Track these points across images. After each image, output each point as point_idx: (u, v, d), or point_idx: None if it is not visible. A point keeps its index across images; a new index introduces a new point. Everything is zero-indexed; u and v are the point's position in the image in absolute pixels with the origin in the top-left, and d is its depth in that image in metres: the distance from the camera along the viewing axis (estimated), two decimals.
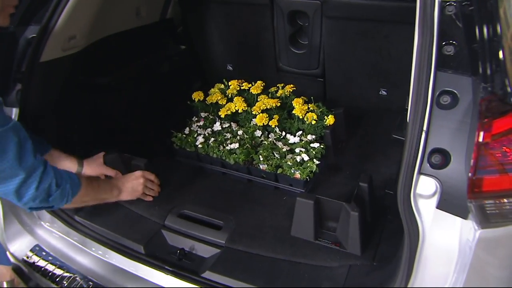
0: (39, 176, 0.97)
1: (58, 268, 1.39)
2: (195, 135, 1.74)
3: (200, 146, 1.68)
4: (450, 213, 0.88)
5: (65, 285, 1.34)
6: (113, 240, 1.40)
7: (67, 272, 1.38)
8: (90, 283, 1.34)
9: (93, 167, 1.47)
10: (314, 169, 1.52)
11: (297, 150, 1.59)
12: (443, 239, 0.92)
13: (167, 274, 1.28)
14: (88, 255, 1.40)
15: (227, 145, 1.65)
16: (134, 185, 1.41)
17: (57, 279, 1.36)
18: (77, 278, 1.35)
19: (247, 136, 1.69)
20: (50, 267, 1.39)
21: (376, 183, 1.48)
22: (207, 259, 1.33)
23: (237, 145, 1.63)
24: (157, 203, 1.52)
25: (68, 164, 1.43)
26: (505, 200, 0.82)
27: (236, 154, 1.61)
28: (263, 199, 1.58)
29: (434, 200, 0.89)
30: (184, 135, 1.76)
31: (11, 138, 0.93)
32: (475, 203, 0.83)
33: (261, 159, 1.57)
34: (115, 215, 1.48)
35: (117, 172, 1.50)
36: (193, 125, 1.83)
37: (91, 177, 1.25)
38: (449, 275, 0.94)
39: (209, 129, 1.77)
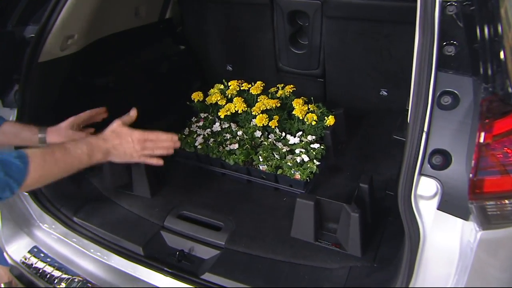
0: None
1: (57, 269, 1.39)
2: (195, 136, 1.74)
3: (199, 146, 1.68)
4: (451, 214, 0.88)
5: (63, 286, 1.33)
6: (112, 241, 1.40)
7: (65, 273, 1.38)
8: (89, 284, 1.34)
9: (59, 133, 1.29)
10: (314, 170, 1.52)
11: (297, 151, 1.59)
12: (444, 240, 0.92)
13: (166, 276, 1.28)
14: (86, 257, 1.40)
15: (227, 146, 1.65)
16: (129, 147, 1.19)
17: (55, 281, 1.36)
18: (76, 280, 1.35)
19: (247, 137, 1.69)
20: (49, 269, 1.39)
21: (377, 184, 1.48)
22: (206, 261, 1.33)
23: (236, 145, 1.63)
24: (156, 204, 1.52)
25: (27, 134, 1.27)
26: (507, 201, 0.82)
27: (235, 154, 1.61)
28: (263, 200, 1.58)
29: (435, 201, 0.89)
30: (184, 136, 1.76)
31: None
32: (476, 204, 0.83)
33: (261, 159, 1.57)
34: (114, 216, 1.48)
35: (86, 133, 1.34)
36: (192, 126, 1.83)
37: (52, 147, 1.05)
38: (450, 276, 0.94)
39: (209, 130, 1.77)
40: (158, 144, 1.24)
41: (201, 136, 1.73)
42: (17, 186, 0.92)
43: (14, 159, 0.92)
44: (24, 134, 1.28)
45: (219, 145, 1.67)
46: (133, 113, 1.30)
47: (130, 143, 1.19)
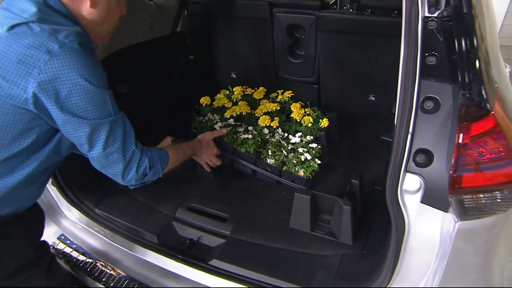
0: (137, 162, 1.01)
1: (81, 254, 1.40)
2: (214, 122, 1.75)
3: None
4: (433, 207, 0.88)
5: (88, 270, 1.34)
6: (129, 231, 1.41)
7: (89, 258, 1.39)
8: (109, 268, 1.34)
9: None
10: (316, 168, 1.52)
11: (300, 150, 1.60)
12: (426, 230, 0.92)
13: (178, 262, 1.28)
14: (107, 244, 1.41)
15: (241, 135, 1.65)
16: (205, 156, 1.51)
17: (80, 265, 1.37)
18: (97, 264, 1.36)
19: (256, 132, 1.69)
20: (74, 254, 1.40)
21: (366, 180, 1.48)
22: (213, 248, 1.34)
23: (250, 135, 1.64)
24: (168, 197, 1.53)
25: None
26: (481, 195, 0.82)
27: (248, 144, 1.61)
28: (265, 194, 1.58)
29: (419, 195, 0.89)
30: (204, 120, 1.76)
31: (120, 126, 0.96)
32: (455, 198, 0.83)
33: (270, 153, 1.58)
34: (131, 208, 1.49)
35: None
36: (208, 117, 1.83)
37: (177, 148, 1.27)
38: (431, 262, 0.95)
39: (225, 122, 1.77)
40: (217, 160, 1.55)
41: (219, 123, 1.74)
42: (162, 173, 1.13)
43: (165, 154, 1.16)
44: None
45: (234, 134, 1.67)
46: (224, 131, 1.62)
47: (210, 154, 1.52)
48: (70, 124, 0.89)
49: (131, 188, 1.10)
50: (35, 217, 1.13)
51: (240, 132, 1.69)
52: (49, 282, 1.12)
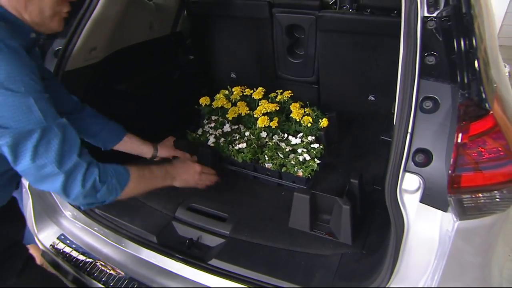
0: (82, 174, 0.87)
1: (81, 254, 1.40)
2: (207, 135, 1.74)
3: (212, 145, 1.68)
4: (432, 207, 0.88)
5: (87, 269, 1.34)
6: (129, 230, 1.41)
7: (88, 258, 1.39)
8: (109, 268, 1.34)
9: (166, 150, 1.49)
10: (315, 168, 1.52)
11: (299, 151, 1.59)
12: (426, 229, 0.92)
13: (178, 261, 1.28)
14: (107, 244, 1.41)
15: (236, 145, 1.65)
16: (189, 177, 1.31)
17: (80, 264, 1.36)
18: (97, 264, 1.36)
19: (253, 137, 1.69)
20: (74, 254, 1.40)
21: (366, 180, 1.48)
22: (213, 248, 1.34)
23: (244, 145, 1.64)
24: (168, 197, 1.53)
25: (145, 149, 1.43)
26: (480, 195, 0.82)
27: (244, 153, 1.61)
28: (265, 194, 1.58)
29: (418, 195, 0.89)
30: (197, 135, 1.77)
31: (56, 134, 0.83)
32: (454, 197, 0.83)
33: (267, 158, 1.57)
34: (131, 208, 1.49)
35: (184, 154, 1.51)
36: (205, 126, 1.83)
37: (142, 167, 1.10)
38: (430, 261, 0.95)
39: (220, 130, 1.77)
40: (209, 177, 1.39)
41: (213, 135, 1.73)
42: (120, 192, 0.97)
43: (123, 170, 1.00)
44: (143, 148, 1.43)
45: (229, 144, 1.67)
46: (195, 157, 1.50)
47: (192, 174, 1.31)
48: None
49: (82, 208, 0.99)
50: (6, 220, 1.05)
51: (236, 139, 1.69)
52: (21, 282, 1.07)
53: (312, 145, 1.62)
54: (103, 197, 0.94)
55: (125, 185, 0.99)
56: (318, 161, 1.55)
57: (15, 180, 1.05)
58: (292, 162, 1.54)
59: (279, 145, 1.65)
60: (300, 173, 1.52)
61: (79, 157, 0.88)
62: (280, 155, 1.58)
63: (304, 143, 1.63)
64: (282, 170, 1.55)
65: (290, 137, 1.69)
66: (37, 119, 0.80)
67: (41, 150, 0.81)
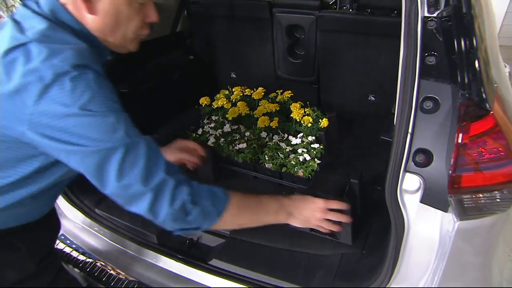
0: (170, 193, 0.79)
1: (81, 254, 1.40)
2: (207, 135, 1.74)
3: (212, 145, 1.68)
4: (432, 207, 0.88)
5: (87, 269, 1.34)
6: (129, 230, 1.41)
7: (88, 258, 1.39)
8: (109, 268, 1.34)
9: (172, 153, 1.33)
10: (316, 168, 1.52)
11: (299, 151, 1.59)
12: (426, 230, 0.92)
13: (178, 262, 1.28)
14: (107, 244, 1.41)
15: (236, 146, 1.64)
16: (311, 215, 1.06)
17: (80, 264, 1.37)
18: (97, 264, 1.36)
19: (254, 137, 1.69)
20: (75, 254, 1.40)
21: (366, 180, 1.48)
22: (213, 248, 1.34)
23: (244, 145, 1.63)
24: None
25: None
26: (481, 195, 0.82)
27: (244, 153, 1.61)
28: (265, 194, 1.57)
29: (418, 195, 0.89)
30: (197, 135, 1.76)
31: (140, 150, 0.78)
32: (454, 197, 0.83)
33: (267, 158, 1.57)
34: None
35: (191, 156, 1.34)
36: (205, 126, 1.83)
37: (250, 195, 0.97)
38: (431, 262, 0.95)
39: (220, 130, 1.77)
40: (339, 216, 1.09)
41: (213, 135, 1.73)
42: (217, 218, 0.86)
43: (221, 192, 0.89)
44: None
45: (229, 144, 1.67)
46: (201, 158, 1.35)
47: (313, 209, 1.06)
48: (73, 154, 0.75)
49: (175, 233, 0.86)
50: (47, 227, 1.03)
51: (236, 139, 1.68)
52: None
53: (312, 145, 1.61)
54: (195, 222, 0.83)
55: (223, 210, 0.87)
56: (319, 161, 1.54)
57: (63, 188, 1.03)
58: (292, 162, 1.53)
59: (279, 145, 1.65)
60: (300, 173, 1.52)
61: (166, 174, 0.80)
62: (281, 155, 1.58)
63: (304, 143, 1.63)
64: (282, 170, 1.55)
65: (290, 137, 1.69)
66: (120, 137, 0.76)
67: (126, 168, 0.76)
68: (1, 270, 0.93)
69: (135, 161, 0.77)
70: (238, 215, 0.92)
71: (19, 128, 0.74)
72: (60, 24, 0.79)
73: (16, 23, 0.78)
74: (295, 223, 1.06)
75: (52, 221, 1.06)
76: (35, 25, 0.77)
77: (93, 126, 0.74)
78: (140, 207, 0.80)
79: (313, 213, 1.06)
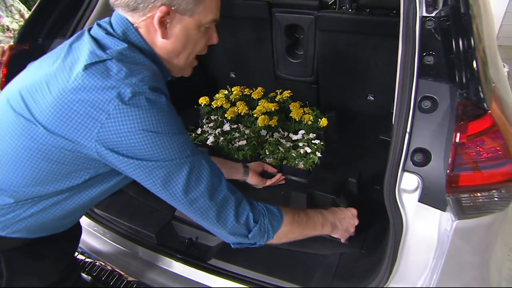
0: (233, 207, 0.84)
1: (81, 254, 1.40)
2: (206, 135, 1.74)
3: (211, 144, 1.68)
4: (430, 206, 0.88)
5: (87, 269, 1.34)
6: (128, 230, 1.40)
7: (88, 258, 1.39)
8: (109, 267, 1.35)
9: (256, 177, 1.46)
10: (316, 161, 1.52)
11: (300, 144, 1.59)
12: (424, 229, 0.92)
13: (177, 261, 1.28)
14: (106, 243, 1.41)
15: (236, 143, 1.64)
16: (349, 225, 1.15)
17: (80, 264, 1.36)
18: (97, 264, 1.36)
19: (253, 135, 1.69)
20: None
21: (365, 179, 1.48)
22: (212, 248, 1.34)
23: (244, 142, 1.63)
24: None
25: (236, 174, 1.41)
26: (479, 194, 0.82)
27: (244, 150, 1.61)
28: (264, 193, 1.58)
29: (416, 194, 0.89)
30: (197, 135, 1.77)
31: (203, 166, 0.82)
32: (452, 197, 0.83)
33: (267, 153, 1.57)
34: (130, 207, 1.49)
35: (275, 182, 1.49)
36: (204, 126, 1.83)
37: (297, 210, 1.02)
38: (429, 261, 0.95)
39: (219, 129, 1.77)
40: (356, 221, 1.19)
41: (212, 135, 1.73)
42: (273, 234, 0.91)
43: (276, 210, 0.93)
44: (234, 174, 1.41)
45: (229, 143, 1.66)
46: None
47: (349, 218, 1.16)
48: (140, 168, 0.78)
49: (233, 247, 0.92)
50: (71, 236, 1.04)
51: (236, 138, 1.68)
52: None
53: (313, 141, 1.62)
54: (254, 238, 0.88)
55: (278, 228, 0.91)
56: (320, 155, 1.54)
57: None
58: (293, 155, 1.53)
59: (279, 141, 1.65)
60: (301, 165, 1.52)
61: (228, 191, 0.85)
62: (281, 150, 1.58)
63: (305, 138, 1.63)
64: (283, 163, 1.55)
65: (291, 134, 1.69)
66: (187, 155, 0.80)
67: (192, 183, 0.80)
68: (27, 278, 0.94)
69: (200, 176, 0.81)
70: (291, 231, 0.96)
71: (85, 141, 0.75)
72: (130, 43, 0.82)
73: (95, 39, 0.81)
74: (337, 234, 1.15)
75: (75, 229, 1.07)
76: (115, 44, 0.80)
77: (164, 145, 0.77)
78: (207, 220, 0.84)
79: (349, 221, 1.15)
